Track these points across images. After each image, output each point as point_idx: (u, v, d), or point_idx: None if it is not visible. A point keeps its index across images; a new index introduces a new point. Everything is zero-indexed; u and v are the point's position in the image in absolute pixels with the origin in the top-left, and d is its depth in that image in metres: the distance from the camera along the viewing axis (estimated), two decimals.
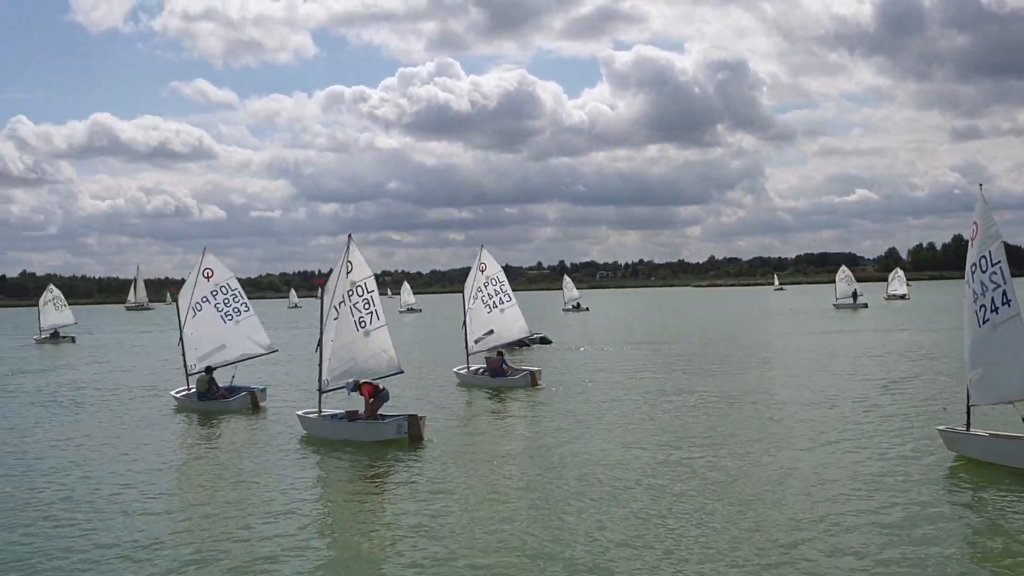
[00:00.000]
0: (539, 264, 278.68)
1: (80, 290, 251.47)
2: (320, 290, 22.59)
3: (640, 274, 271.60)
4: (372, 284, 21.50)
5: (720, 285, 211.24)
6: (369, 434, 20.01)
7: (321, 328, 21.57)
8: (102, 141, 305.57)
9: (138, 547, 12.56)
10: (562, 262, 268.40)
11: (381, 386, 20.68)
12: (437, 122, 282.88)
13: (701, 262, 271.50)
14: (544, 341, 45.80)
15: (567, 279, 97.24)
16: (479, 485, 15.69)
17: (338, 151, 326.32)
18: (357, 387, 20.48)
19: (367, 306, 21.32)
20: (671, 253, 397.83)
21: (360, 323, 21.30)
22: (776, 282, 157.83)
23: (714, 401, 24.72)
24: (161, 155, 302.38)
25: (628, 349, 43.44)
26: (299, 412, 22.10)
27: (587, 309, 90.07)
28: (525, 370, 30.11)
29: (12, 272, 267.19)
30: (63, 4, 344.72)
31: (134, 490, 16.11)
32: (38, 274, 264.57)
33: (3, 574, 11.68)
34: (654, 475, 15.82)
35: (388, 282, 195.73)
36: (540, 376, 29.45)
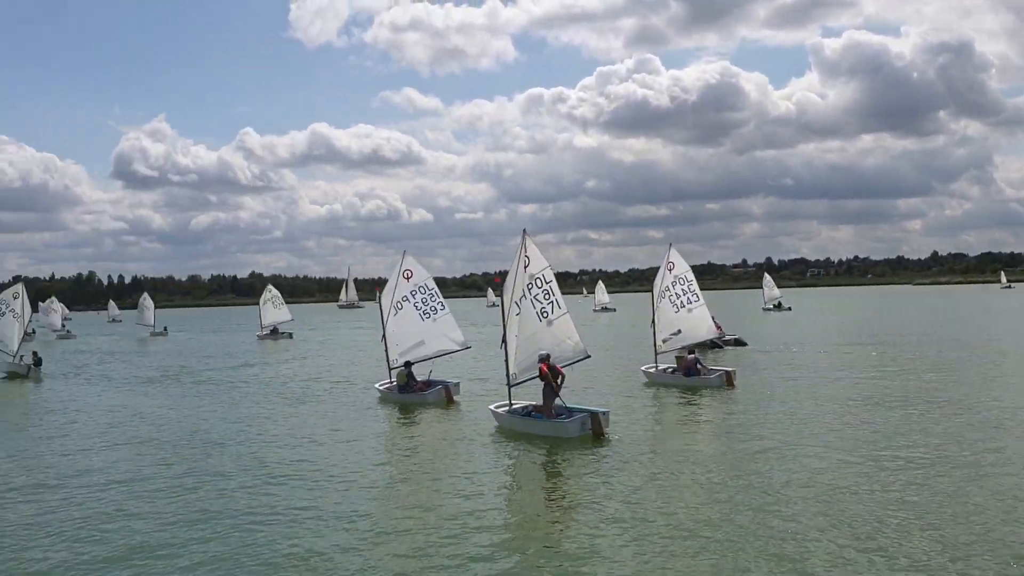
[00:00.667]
0: (744, 262, 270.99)
1: (302, 289, 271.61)
2: (500, 288, 23.43)
3: (855, 271, 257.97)
4: (550, 275, 22.14)
5: (944, 283, 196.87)
6: (553, 430, 20.50)
7: (504, 324, 22.39)
8: (320, 150, 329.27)
9: (349, 520, 13.65)
10: (769, 259, 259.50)
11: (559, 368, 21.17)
12: (635, 119, 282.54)
13: (922, 258, 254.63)
14: (738, 343, 44.63)
15: (767, 277, 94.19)
16: (665, 485, 15.52)
17: (537, 152, 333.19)
18: (542, 361, 21.01)
19: (547, 296, 21.98)
20: (889, 249, 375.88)
21: (542, 314, 21.96)
22: (1003, 280, 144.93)
23: (929, 407, 23.18)
24: (373, 162, 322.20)
25: (835, 351, 41.45)
26: (491, 406, 23.01)
27: (789, 309, 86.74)
28: (720, 370, 29.59)
29: (243, 273, 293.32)
30: (283, 22, 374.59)
31: (346, 471, 17.42)
32: (265, 275, 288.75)
33: (244, 547, 12.92)
34: (864, 484, 15.01)
35: (585, 281, 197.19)
36: (736, 376, 28.84)
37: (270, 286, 73.55)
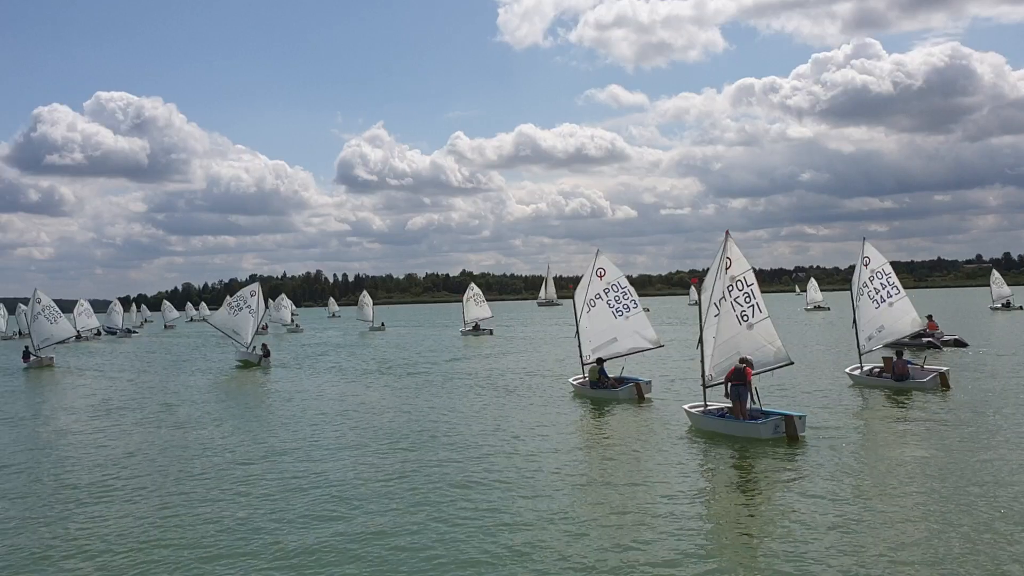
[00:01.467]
0: (978, 257, 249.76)
1: (510, 287, 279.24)
2: (698, 289, 23.27)
3: None
4: (751, 278, 21.73)
5: None
6: (747, 431, 20.22)
7: (701, 326, 22.27)
8: (526, 150, 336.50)
9: (548, 519, 13.99)
10: (1007, 255, 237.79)
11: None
12: (854, 106, 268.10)
13: None
14: (958, 343, 41.60)
15: (995, 274, 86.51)
16: (865, 494, 14.81)
17: (748, 144, 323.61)
18: (744, 363, 20.82)
19: (748, 299, 21.59)
20: None
21: (743, 317, 21.64)
22: None
23: None
24: (578, 160, 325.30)
25: None
26: (685, 406, 22.98)
27: (1021, 308, 79.32)
28: (934, 371, 27.85)
29: (454, 271, 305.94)
30: (491, 27, 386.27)
31: (542, 467, 17.94)
32: (474, 273, 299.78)
33: (436, 523, 13.85)
34: None
35: (800, 278, 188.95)
36: (950, 377, 27.07)
37: (472, 284, 76.64)
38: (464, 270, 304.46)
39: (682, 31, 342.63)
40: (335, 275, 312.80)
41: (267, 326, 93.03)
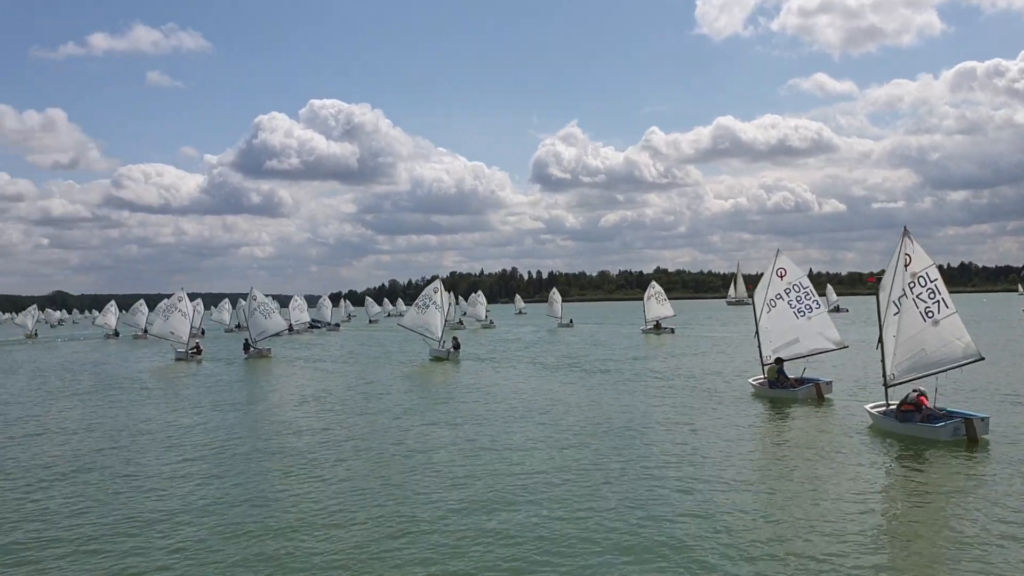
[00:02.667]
0: None
1: (706, 285, 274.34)
2: (876, 287, 22.79)
3: None
4: (934, 273, 21.23)
5: None
6: (926, 433, 19.79)
7: (880, 325, 21.88)
8: (724, 144, 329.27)
9: (723, 524, 14.20)
10: None
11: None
12: None
13: None
14: None
15: None
16: None
17: (969, 132, 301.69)
18: (918, 392, 20.55)
19: (932, 295, 21.08)
20: None
21: (927, 313, 21.14)
22: None
23: None
24: (780, 152, 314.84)
25: None
26: (867, 406, 22.64)
27: None
28: None
29: (648, 268, 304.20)
30: (689, 20, 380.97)
31: (720, 467, 18.31)
32: (669, 270, 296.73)
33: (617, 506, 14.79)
34: None
35: None
36: None
37: (653, 282, 76.58)
38: (658, 267, 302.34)
39: (894, 14, 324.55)
40: (529, 272, 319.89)
41: (463, 321, 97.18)
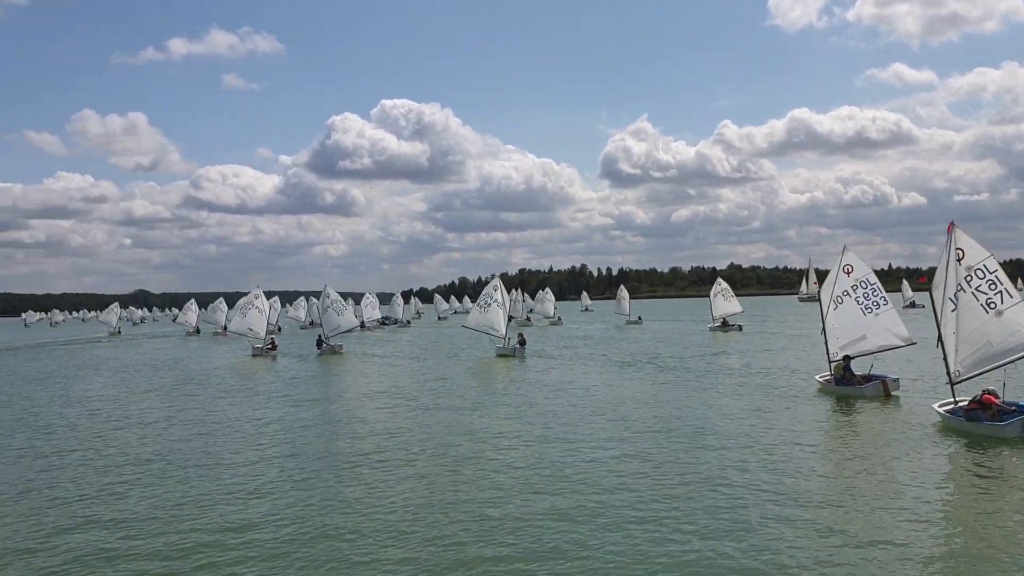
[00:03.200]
0: None
1: (782, 281, 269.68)
2: (928, 287, 22.75)
3: None
4: (993, 264, 21.19)
5: None
6: (993, 432, 19.62)
7: (937, 324, 21.81)
8: (799, 136, 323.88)
9: (789, 522, 14.22)
10: None
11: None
12: None
13: None
14: None
15: None
16: None
17: None
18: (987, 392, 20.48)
19: (993, 286, 20.99)
20: None
21: (988, 305, 21.02)
22: None
23: None
24: (858, 145, 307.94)
25: None
26: (935, 404, 22.46)
27: None
28: None
29: (721, 264, 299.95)
30: (762, 11, 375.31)
31: (774, 459, 18.55)
32: (743, 266, 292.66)
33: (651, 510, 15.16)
34: None
35: None
36: None
37: (719, 279, 76.00)
38: (732, 263, 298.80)
39: (977, 1, 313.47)
40: (599, 269, 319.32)
41: (530, 318, 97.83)
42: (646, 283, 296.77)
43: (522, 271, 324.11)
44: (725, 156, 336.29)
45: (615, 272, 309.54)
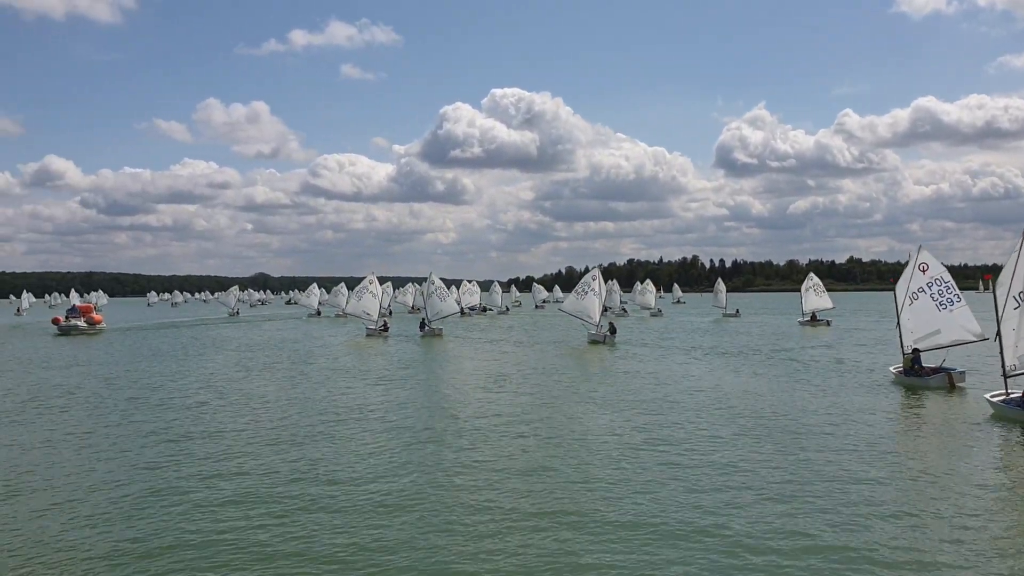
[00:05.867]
0: None
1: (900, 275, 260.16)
2: (993, 284, 24.01)
3: None
4: None
5: None
6: None
7: (998, 319, 23.29)
8: (925, 126, 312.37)
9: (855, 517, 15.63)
10: None
11: None
12: None
13: None
14: None
15: None
16: None
17: None
18: None
19: None
20: None
21: None
22: None
23: None
24: (988, 135, 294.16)
25: None
26: (987, 395, 23.97)
27: None
28: None
29: (840, 258, 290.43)
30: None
31: (854, 452, 19.86)
32: (863, 260, 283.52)
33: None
34: None
35: None
36: None
37: (811, 274, 76.01)
38: (852, 256, 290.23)
39: None
40: (711, 260, 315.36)
41: (625, 308, 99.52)
42: (761, 276, 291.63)
43: (631, 262, 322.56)
44: (846, 146, 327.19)
45: (728, 264, 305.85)
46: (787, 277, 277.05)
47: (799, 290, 75.60)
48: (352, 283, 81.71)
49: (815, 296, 73.12)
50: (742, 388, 30.07)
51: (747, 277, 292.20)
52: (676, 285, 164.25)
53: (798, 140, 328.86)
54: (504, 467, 17.52)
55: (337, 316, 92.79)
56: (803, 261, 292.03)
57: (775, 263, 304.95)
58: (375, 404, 27.07)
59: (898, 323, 31.80)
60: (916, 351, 30.11)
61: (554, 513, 14.06)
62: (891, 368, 32.08)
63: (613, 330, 52.51)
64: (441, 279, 65.77)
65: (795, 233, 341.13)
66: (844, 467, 17.14)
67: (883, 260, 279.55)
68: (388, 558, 12.10)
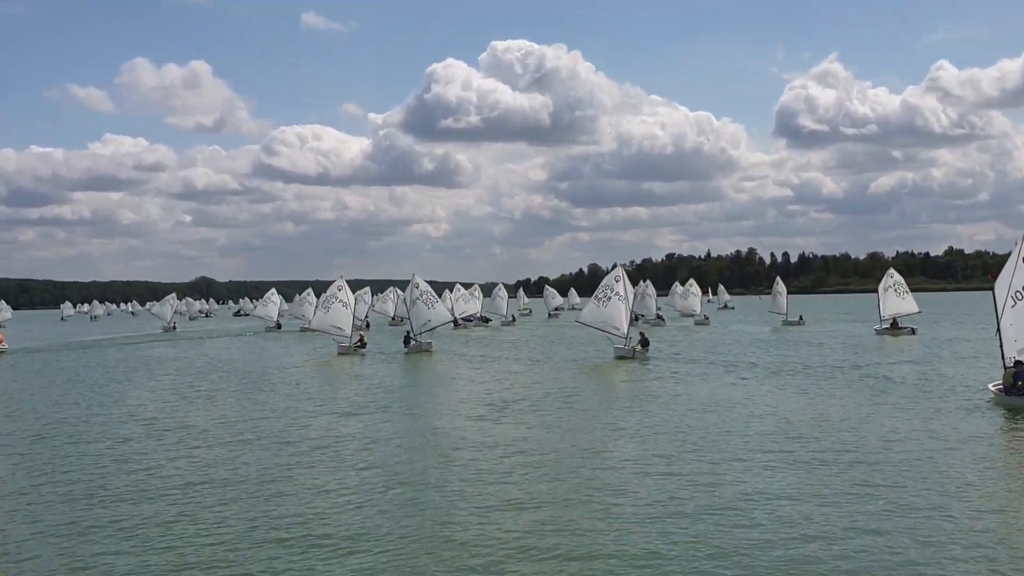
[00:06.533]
0: None
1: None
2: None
3: None
4: None
5: None
6: None
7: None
8: None
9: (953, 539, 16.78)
10: None
11: None
12: None
13: None
14: None
15: None
16: None
17: None
18: None
19: None
20: None
21: None
22: None
23: None
24: None
25: None
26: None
27: None
28: None
29: (936, 248, 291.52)
30: None
31: (947, 487, 20.40)
32: (966, 251, 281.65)
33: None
34: None
35: None
36: None
37: (892, 271, 76.45)
38: (951, 247, 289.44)
39: None
40: (772, 255, 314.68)
41: (661, 316, 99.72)
42: (835, 273, 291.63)
43: (670, 257, 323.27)
44: (941, 107, 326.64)
45: (793, 259, 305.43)
46: (868, 274, 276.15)
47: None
48: (321, 288, 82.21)
49: (895, 297, 73.33)
50: (811, 415, 30.33)
51: (817, 275, 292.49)
52: (721, 287, 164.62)
53: (880, 101, 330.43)
54: (508, 530, 17.46)
55: (304, 330, 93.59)
56: (888, 254, 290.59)
57: (853, 257, 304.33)
58: (349, 441, 27.32)
59: (998, 329, 32.26)
60: (1020, 364, 30.59)
61: None
62: (990, 385, 32.59)
63: (645, 343, 53.02)
64: (429, 282, 66.29)
65: (878, 218, 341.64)
66: (938, 522, 17.03)
67: (990, 252, 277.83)
68: None
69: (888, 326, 72.53)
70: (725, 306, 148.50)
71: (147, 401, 38.65)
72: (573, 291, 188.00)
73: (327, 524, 17.66)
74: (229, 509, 19.02)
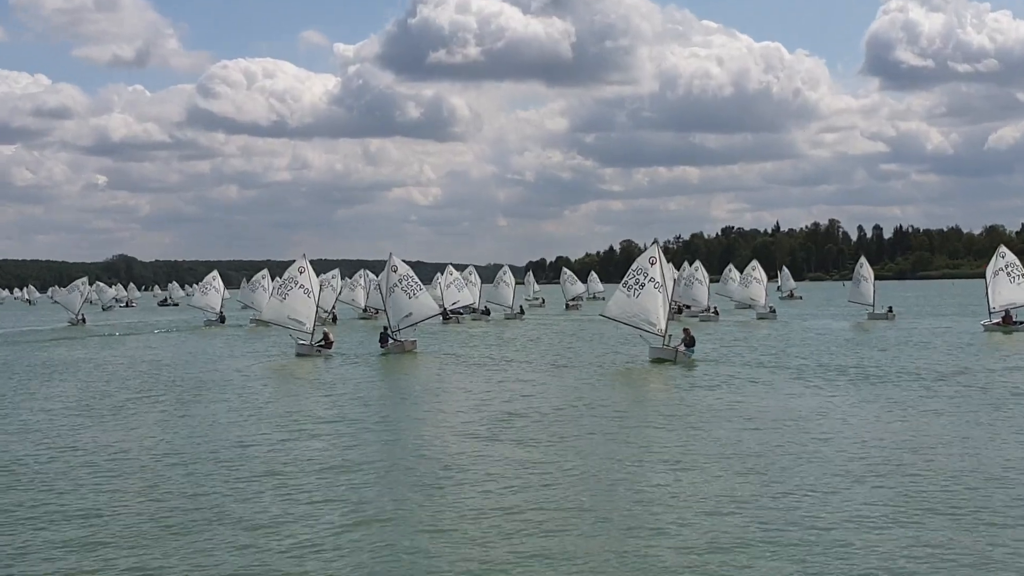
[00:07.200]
0: None
1: None
2: None
3: None
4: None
5: None
6: None
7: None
8: None
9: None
10: None
11: None
12: None
13: None
14: None
15: None
16: None
17: None
18: None
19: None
20: None
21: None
22: None
23: None
24: None
25: None
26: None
27: None
28: None
29: None
30: None
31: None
32: None
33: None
34: None
35: None
36: None
37: (1002, 249, 76.26)
38: None
39: None
40: (860, 228, 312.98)
41: (715, 308, 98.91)
42: (943, 252, 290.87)
43: (727, 230, 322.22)
44: None
45: (888, 234, 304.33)
46: (985, 254, 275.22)
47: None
48: (278, 270, 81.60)
49: (1008, 283, 72.52)
50: (906, 436, 30.09)
51: (920, 254, 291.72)
52: (786, 271, 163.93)
53: (1002, 28, 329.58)
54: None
55: (256, 324, 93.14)
56: (1012, 227, 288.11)
57: (966, 231, 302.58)
58: (304, 466, 27.03)
59: None
60: None
61: None
62: None
63: (690, 342, 52.48)
64: (414, 263, 65.89)
65: (999, 181, 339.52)
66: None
67: None
68: None
69: (999, 320, 72.10)
70: (790, 294, 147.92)
71: (46, 415, 38.24)
72: (594, 276, 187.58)
73: (273, 572, 17.36)
74: (147, 552, 18.60)
